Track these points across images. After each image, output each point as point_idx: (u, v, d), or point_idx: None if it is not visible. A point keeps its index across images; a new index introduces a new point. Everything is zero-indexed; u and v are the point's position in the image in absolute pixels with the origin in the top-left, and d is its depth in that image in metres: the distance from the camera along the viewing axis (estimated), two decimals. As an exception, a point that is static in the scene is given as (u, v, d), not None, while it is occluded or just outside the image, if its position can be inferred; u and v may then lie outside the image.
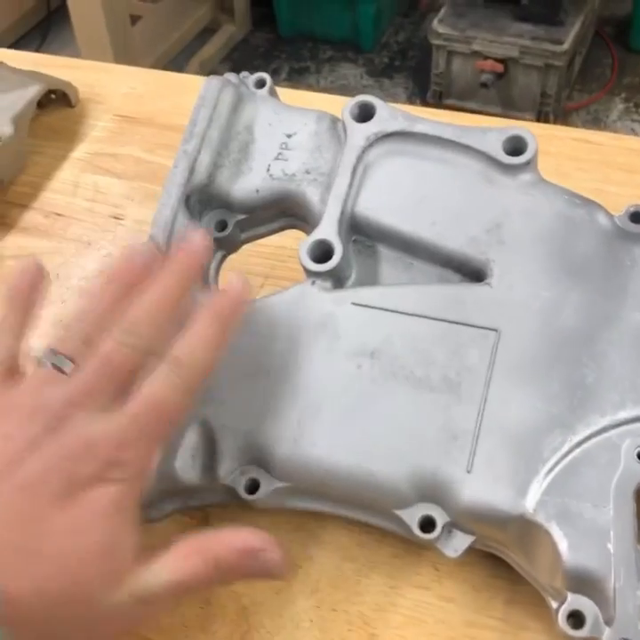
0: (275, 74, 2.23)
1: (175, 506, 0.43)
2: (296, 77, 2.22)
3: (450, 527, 0.39)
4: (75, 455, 0.34)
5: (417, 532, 0.39)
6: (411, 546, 0.42)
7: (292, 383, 0.42)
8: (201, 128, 0.46)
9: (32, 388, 0.36)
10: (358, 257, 0.45)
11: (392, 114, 0.46)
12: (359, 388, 0.41)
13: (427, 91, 2.08)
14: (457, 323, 0.41)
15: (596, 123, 2.10)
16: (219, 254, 0.48)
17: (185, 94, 0.63)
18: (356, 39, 2.25)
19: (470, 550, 0.40)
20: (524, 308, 0.41)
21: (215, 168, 0.46)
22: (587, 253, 0.42)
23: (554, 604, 0.38)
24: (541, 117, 2.00)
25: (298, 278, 0.55)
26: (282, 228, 0.49)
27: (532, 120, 1.99)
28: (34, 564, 0.32)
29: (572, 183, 0.47)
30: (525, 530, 0.38)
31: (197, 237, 0.39)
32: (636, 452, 0.38)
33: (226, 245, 0.48)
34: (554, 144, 0.62)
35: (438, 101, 2.07)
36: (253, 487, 0.41)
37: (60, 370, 0.36)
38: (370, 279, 0.45)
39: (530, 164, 0.44)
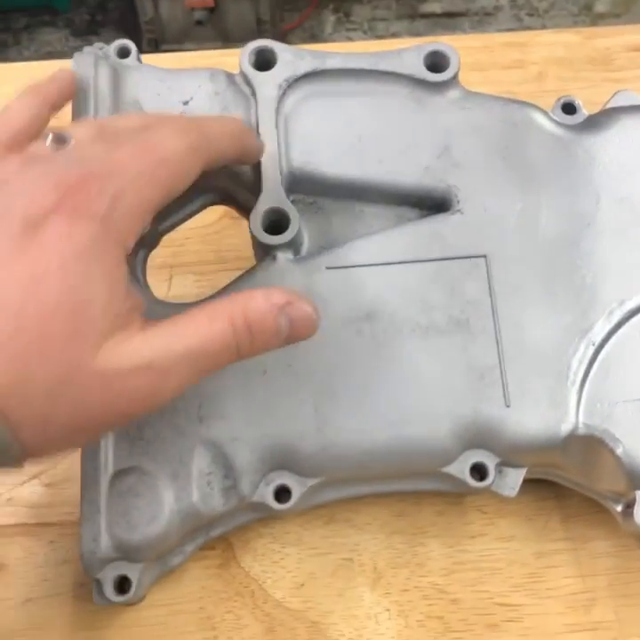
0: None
1: (197, 543, 0.38)
2: (-4, 54, 2.02)
3: (499, 467, 0.38)
4: (35, 188, 0.28)
5: (471, 482, 0.37)
6: (449, 498, 0.40)
7: (293, 372, 0.37)
8: (88, 116, 0.39)
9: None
10: (303, 217, 0.41)
11: (297, 54, 0.42)
12: (367, 355, 0.38)
13: (141, 41, 1.97)
14: (443, 259, 0.39)
15: (314, 39, 2.10)
16: (141, 253, 0.42)
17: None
18: (50, 1, 2.08)
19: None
20: (502, 225, 0.40)
21: (118, 158, 0.40)
22: (541, 156, 0.41)
23: (618, 508, 0.38)
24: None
25: (207, 259, 0.50)
26: (202, 208, 0.43)
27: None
28: None
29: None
30: (577, 445, 0.37)
31: None
32: (657, 336, 0.38)
33: (146, 242, 0.42)
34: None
35: (155, 49, 1.97)
36: (283, 494, 0.37)
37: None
38: (324, 238, 0.41)
39: (456, 78, 0.42)
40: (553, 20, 1.95)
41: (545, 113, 0.42)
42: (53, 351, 0.27)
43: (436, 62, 0.42)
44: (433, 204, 0.41)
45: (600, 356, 0.38)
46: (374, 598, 0.38)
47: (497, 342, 0.38)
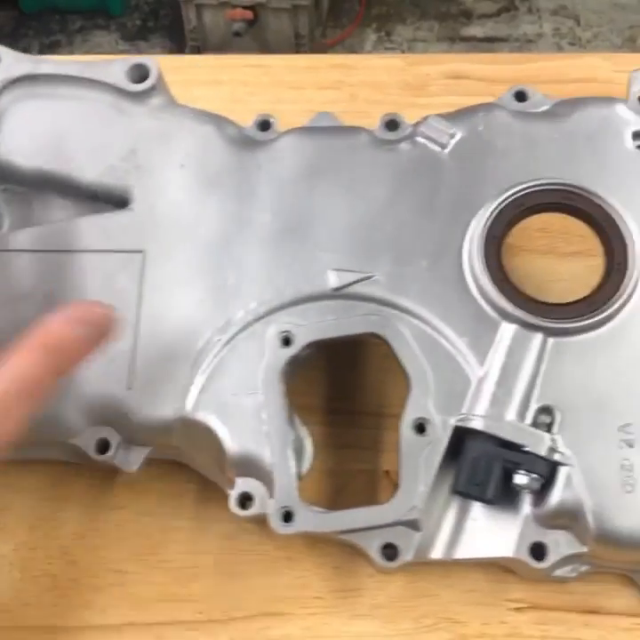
0: (25, 52, 2.12)
1: None
2: (48, 53, 2.13)
3: (126, 444, 0.41)
4: None
5: (93, 455, 0.41)
6: (105, 473, 0.44)
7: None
8: None
9: None
10: (10, 205, 0.46)
11: (17, 58, 0.46)
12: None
13: (184, 48, 2.07)
14: (103, 251, 0.43)
15: (354, 56, 2.14)
16: None
17: None
18: (105, 5, 2.19)
19: (160, 463, 0.42)
20: (167, 225, 0.43)
21: None
22: (219, 165, 0.44)
23: (229, 492, 0.41)
24: (299, 58, 2.03)
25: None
26: None
27: (292, 63, 2.03)
28: None
29: (245, 107, 0.50)
30: (190, 430, 0.40)
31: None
32: (281, 337, 0.41)
33: None
34: (226, 73, 0.63)
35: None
36: None
37: None
38: (25, 225, 0.45)
39: (156, 89, 0.45)
40: (595, 51, 1.94)
41: (237, 127, 0.45)
42: None
43: (141, 74, 0.46)
44: (116, 201, 0.44)
45: (224, 352, 0.41)
46: (3, 552, 0.42)
47: (134, 330, 0.41)
